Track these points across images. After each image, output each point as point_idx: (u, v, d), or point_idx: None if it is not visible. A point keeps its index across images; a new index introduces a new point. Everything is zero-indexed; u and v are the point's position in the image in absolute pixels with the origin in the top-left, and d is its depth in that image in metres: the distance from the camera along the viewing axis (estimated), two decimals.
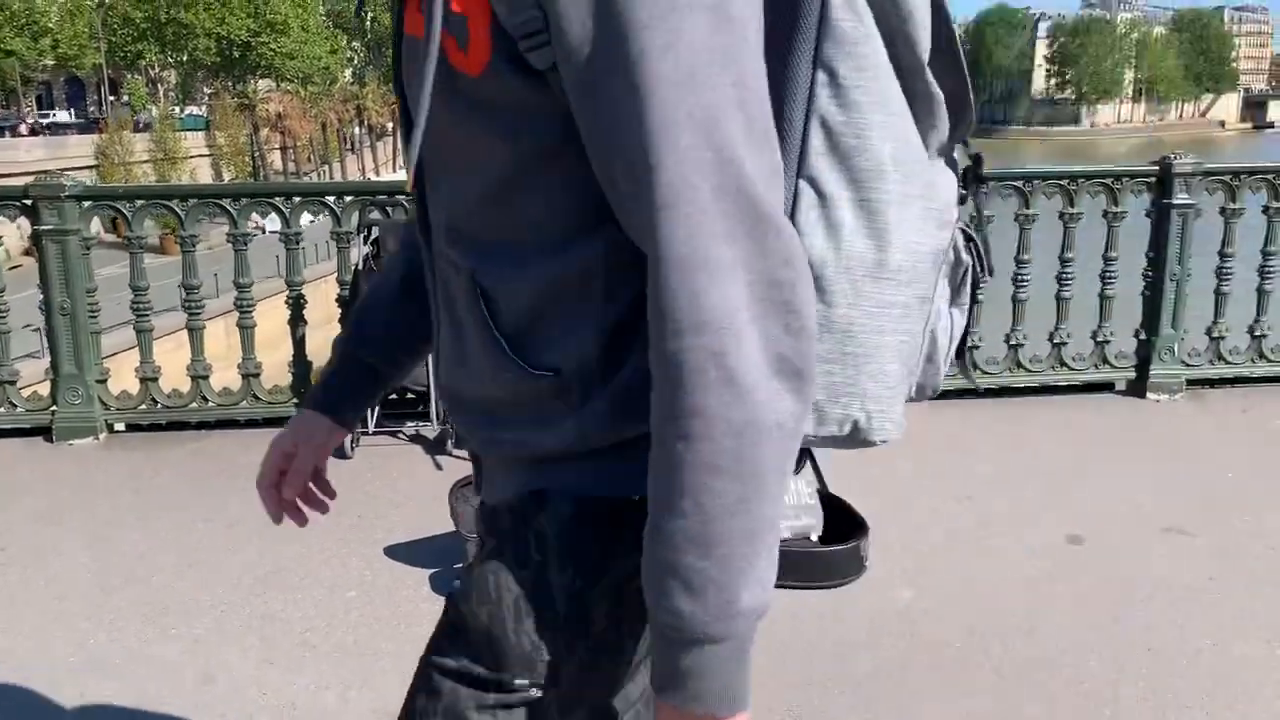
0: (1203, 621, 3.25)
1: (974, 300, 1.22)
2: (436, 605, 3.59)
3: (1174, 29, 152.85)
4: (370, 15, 64.22)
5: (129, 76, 50.76)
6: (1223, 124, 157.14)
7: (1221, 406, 5.45)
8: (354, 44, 65.90)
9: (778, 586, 3.51)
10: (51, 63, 47.16)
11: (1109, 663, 3.01)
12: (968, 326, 1.24)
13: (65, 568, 3.72)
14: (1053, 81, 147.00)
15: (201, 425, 5.26)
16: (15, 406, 5.17)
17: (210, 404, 5.25)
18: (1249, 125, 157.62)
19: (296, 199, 5.18)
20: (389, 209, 5.06)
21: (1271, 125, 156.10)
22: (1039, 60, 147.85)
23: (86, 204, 5.02)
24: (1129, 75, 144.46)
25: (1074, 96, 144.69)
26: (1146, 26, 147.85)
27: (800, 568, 3.92)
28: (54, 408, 5.11)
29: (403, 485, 4.48)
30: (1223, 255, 5.60)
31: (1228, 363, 5.70)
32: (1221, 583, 3.50)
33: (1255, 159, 5.83)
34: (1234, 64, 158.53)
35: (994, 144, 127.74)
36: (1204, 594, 3.43)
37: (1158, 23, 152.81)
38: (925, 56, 0.99)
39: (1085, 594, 3.43)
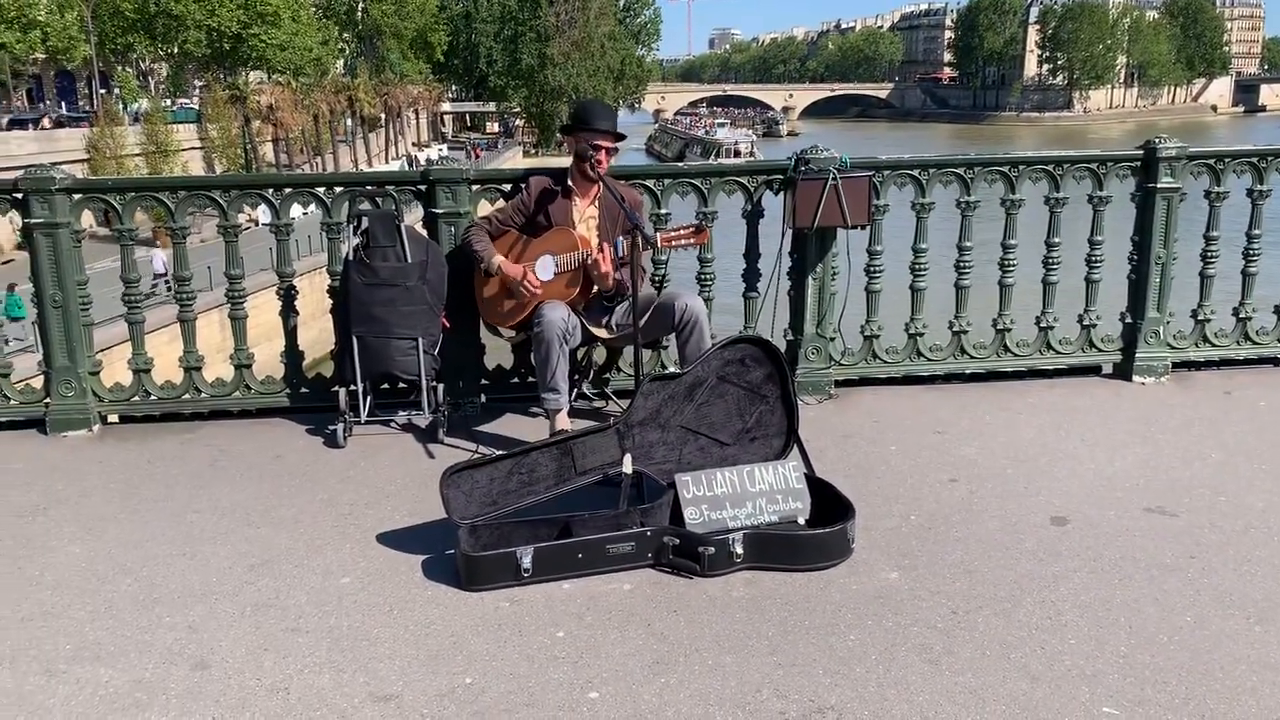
0: (1182, 599, 3.30)
1: None
2: (429, 590, 3.66)
3: (1166, 13, 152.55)
4: (361, 6, 63.98)
5: (119, 69, 50.52)
6: (1215, 108, 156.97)
7: (1206, 388, 5.50)
8: (345, 35, 65.60)
9: (766, 568, 3.60)
10: (42, 56, 46.91)
11: (1090, 640, 3.06)
12: None
13: (59, 558, 3.75)
14: (1044, 67, 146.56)
15: (195, 416, 5.30)
16: (9, 399, 5.20)
17: (203, 395, 5.29)
18: (1241, 109, 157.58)
19: (286, 190, 5.21)
20: (378, 200, 5.09)
21: (1263, 109, 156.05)
22: (1030, 45, 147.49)
23: (77, 197, 5.04)
24: (1121, 60, 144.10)
25: (1065, 82, 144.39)
26: (1138, 10, 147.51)
27: (789, 550, 3.97)
28: (48, 400, 5.14)
29: (395, 473, 4.51)
30: (1207, 238, 5.65)
31: (1213, 345, 5.76)
32: (1202, 561, 3.55)
33: (1246, 143, 5.87)
34: (1226, 48, 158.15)
35: (984, 130, 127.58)
36: (1184, 572, 3.47)
37: (1150, 6, 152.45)
38: None
39: (1067, 573, 3.48)
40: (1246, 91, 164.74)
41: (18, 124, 42.61)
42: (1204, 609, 3.24)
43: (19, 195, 4.95)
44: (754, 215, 5.37)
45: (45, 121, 44.33)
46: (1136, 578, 3.44)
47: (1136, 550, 3.64)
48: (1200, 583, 3.40)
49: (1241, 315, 5.77)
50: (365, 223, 4.89)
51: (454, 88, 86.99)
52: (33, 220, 4.93)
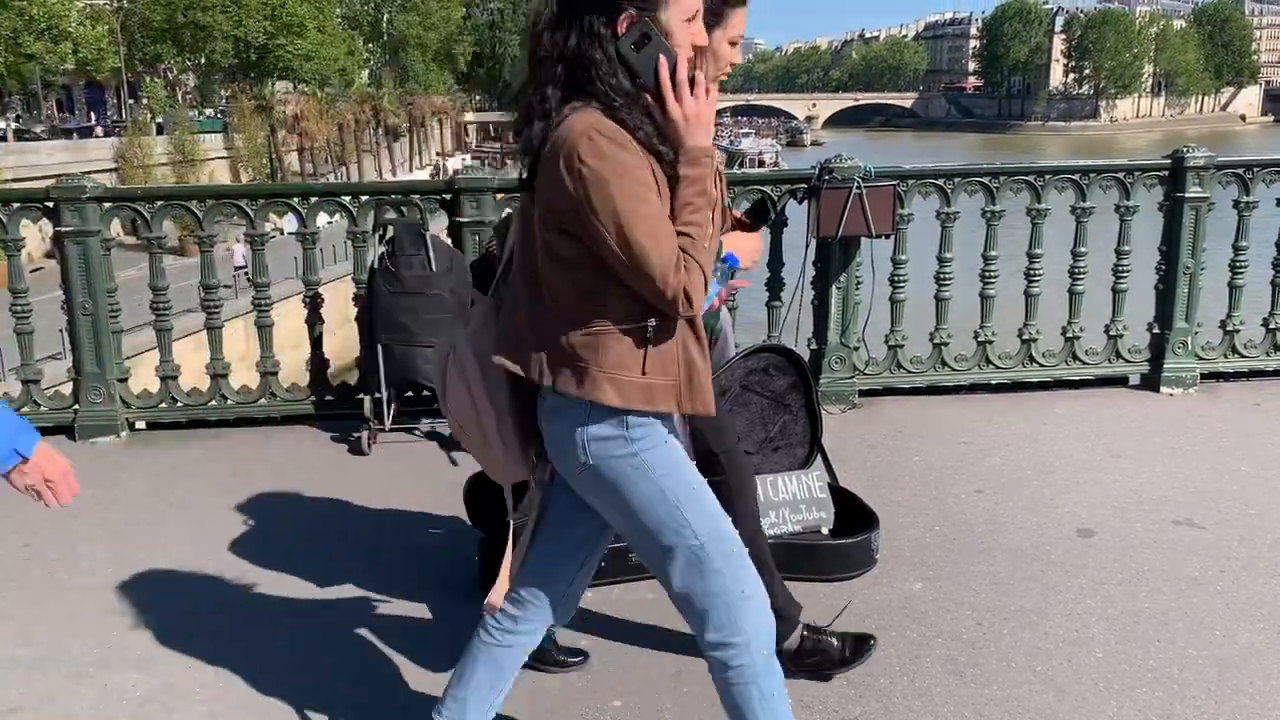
0: (1211, 613, 3.26)
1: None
2: (452, 598, 3.61)
3: (1193, 21, 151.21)
4: (386, 17, 64.45)
5: (147, 80, 51.05)
6: (1244, 117, 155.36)
7: (1235, 399, 5.44)
8: (370, 45, 66.06)
9: (789, 577, 3.58)
10: (71, 67, 47.49)
11: (1117, 653, 3.03)
12: None
13: (87, 564, 3.78)
14: (1070, 76, 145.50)
15: (220, 423, 5.33)
16: (39, 405, 5.26)
17: (229, 402, 5.32)
18: (1270, 119, 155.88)
19: (313, 199, 5.25)
20: (403, 209, 5.12)
21: None
22: (1056, 55, 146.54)
23: (107, 205, 5.09)
24: (1148, 69, 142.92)
25: (1092, 91, 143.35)
26: (1165, 19, 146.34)
27: (812, 560, 3.95)
28: (76, 406, 5.19)
29: (419, 481, 4.53)
30: (1236, 248, 5.59)
31: (1242, 355, 5.69)
32: (1231, 575, 3.51)
33: (1276, 152, 5.84)
34: (1255, 56, 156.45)
35: (1010, 139, 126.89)
36: (1213, 585, 3.44)
37: (1177, 15, 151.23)
38: None
39: (1094, 586, 3.45)
40: (1276, 100, 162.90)
41: (65, 134, 43.42)
42: (1233, 623, 3.20)
43: (50, 204, 5.02)
44: (778, 224, 5.37)
45: (99, 130, 45.25)
46: (1165, 591, 3.41)
47: (1164, 563, 3.60)
48: (1229, 596, 3.37)
49: (1271, 326, 5.70)
50: (391, 231, 4.92)
51: (477, 98, 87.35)
52: (63, 228, 4.98)
